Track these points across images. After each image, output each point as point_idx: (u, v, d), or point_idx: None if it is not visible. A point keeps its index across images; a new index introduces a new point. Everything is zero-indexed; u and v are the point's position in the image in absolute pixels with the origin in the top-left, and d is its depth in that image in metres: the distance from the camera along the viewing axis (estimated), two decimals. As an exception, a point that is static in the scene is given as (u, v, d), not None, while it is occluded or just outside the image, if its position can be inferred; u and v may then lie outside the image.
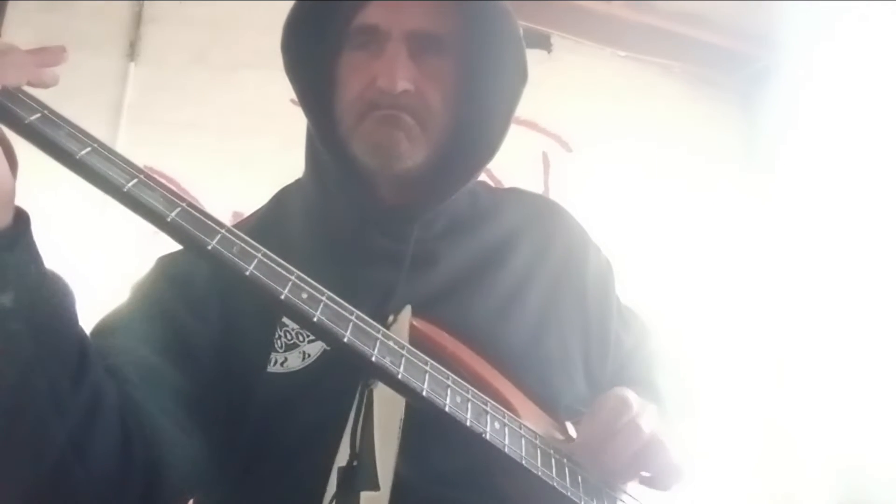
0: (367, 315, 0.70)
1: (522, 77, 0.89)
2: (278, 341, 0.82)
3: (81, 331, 0.69)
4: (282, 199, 0.99)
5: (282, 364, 0.81)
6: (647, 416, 0.81)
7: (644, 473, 0.82)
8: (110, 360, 0.74)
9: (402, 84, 0.83)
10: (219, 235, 0.65)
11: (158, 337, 0.81)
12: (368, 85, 0.84)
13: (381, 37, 0.85)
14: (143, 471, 0.71)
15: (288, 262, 0.68)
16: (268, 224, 0.95)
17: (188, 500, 0.86)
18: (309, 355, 0.81)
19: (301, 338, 0.82)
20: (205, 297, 0.84)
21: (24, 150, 0.63)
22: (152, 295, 0.86)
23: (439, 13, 0.86)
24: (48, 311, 0.63)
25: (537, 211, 1.04)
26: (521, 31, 0.88)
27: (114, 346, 0.77)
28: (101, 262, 2.04)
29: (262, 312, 0.80)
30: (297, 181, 0.99)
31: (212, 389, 0.80)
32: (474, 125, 0.90)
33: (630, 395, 0.82)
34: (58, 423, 0.65)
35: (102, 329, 0.82)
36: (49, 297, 0.64)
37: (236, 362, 0.82)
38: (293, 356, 0.81)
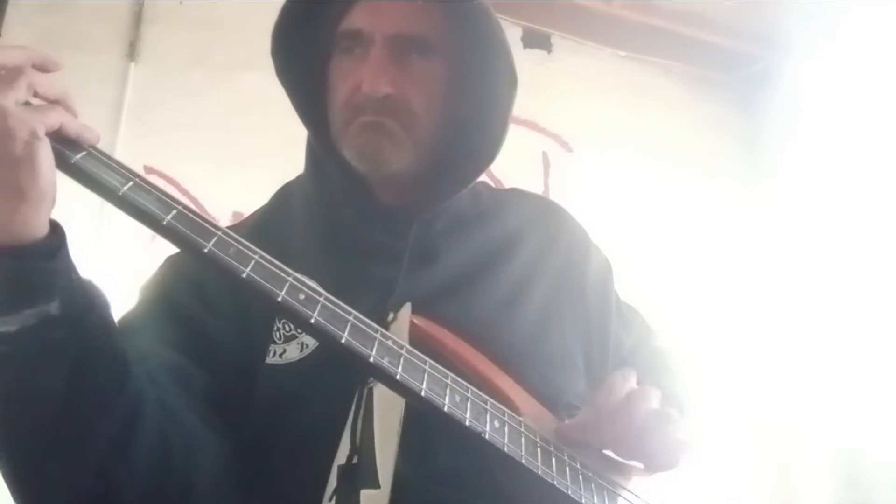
0: (367, 311, 0.70)
1: (512, 78, 0.89)
2: (276, 333, 0.83)
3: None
4: (284, 196, 1.00)
5: (280, 355, 0.82)
6: (645, 396, 0.82)
7: (647, 448, 0.82)
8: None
9: (384, 89, 0.83)
10: (215, 238, 0.65)
11: (180, 337, 0.81)
12: (354, 90, 0.85)
13: (366, 41, 0.85)
14: (182, 471, 0.72)
15: (289, 259, 0.68)
16: (270, 221, 0.96)
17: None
18: (307, 346, 0.81)
19: (299, 329, 0.82)
20: (218, 291, 0.84)
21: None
22: (167, 294, 0.86)
23: (422, 15, 0.87)
24: (92, 318, 0.65)
25: (539, 211, 1.05)
26: (505, 33, 0.88)
27: (136, 350, 0.76)
28: (99, 268, 2.03)
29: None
30: (299, 177, 0.99)
31: (233, 385, 0.81)
32: (468, 128, 0.91)
33: (629, 377, 0.84)
34: (104, 426, 0.66)
35: (120, 332, 0.82)
36: (92, 303, 0.65)
37: (246, 355, 0.82)
38: (291, 347, 0.82)
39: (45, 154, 0.60)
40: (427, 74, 0.87)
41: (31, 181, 0.59)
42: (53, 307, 0.61)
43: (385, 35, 0.85)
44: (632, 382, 0.84)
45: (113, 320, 0.69)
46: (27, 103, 0.61)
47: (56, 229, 0.64)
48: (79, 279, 0.65)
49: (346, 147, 0.87)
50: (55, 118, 0.61)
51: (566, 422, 0.83)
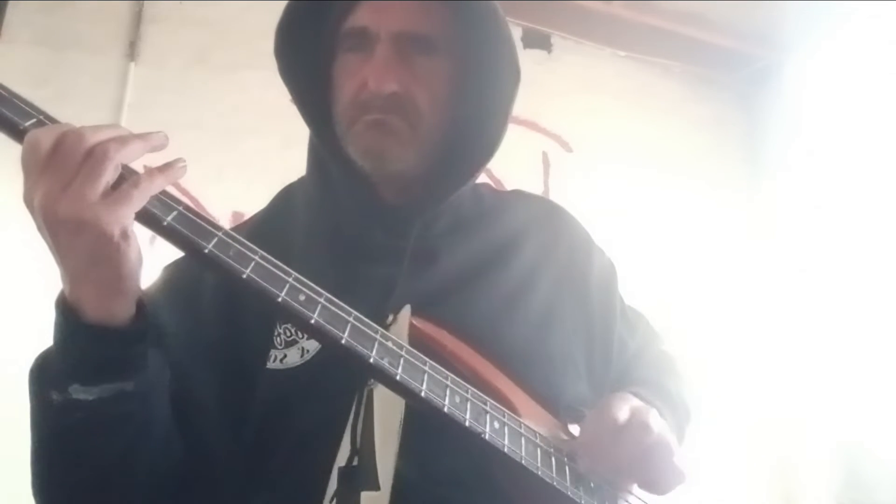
0: (367, 311, 0.70)
1: (515, 76, 0.89)
2: (278, 338, 0.83)
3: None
4: (285, 197, 1.00)
5: (281, 361, 0.81)
6: (649, 420, 0.81)
7: (645, 477, 0.82)
8: None
9: (390, 86, 0.83)
10: (215, 238, 0.65)
11: (175, 355, 0.81)
12: (360, 88, 0.85)
13: (371, 39, 0.86)
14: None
15: (291, 259, 0.68)
16: (271, 221, 0.96)
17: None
18: (308, 351, 0.81)
19: (300, 334, 0.82)
20: (211, 301, 0.85)
21: (16, 155, 0.63)
22: (160, 311, 0.85)
23: (427, 14, 0.87)
24: (158, 391, 0.73)
25: (542, 213, 1.05)
26: (511, 31, 0.89)
27: None
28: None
29: (265, 309, 0.80)
30: (301, 179, 0.99)
31: (229, 393, 0.81)
32: (470, 125, 0.91)
33: (633, 400, 0.82)
34: (144, 483, 0.75)
35: None
36: (159, 378, 0.74)
37: (242, 360, 0.83)
38: (292, 352, 0.82)
39: (134, 248, 0.64)
40: (432, 72, 0.87)
41: (121, 275, 0.64)
42: (129, 385, 0.69)
43: (390, 33, 0.85)
44: (630, 407, 0.81)
45: (167, 384, 0.76)
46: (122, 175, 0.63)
47: (141, 306, 0.69)
48: (152, 356, 0.71)
49: (352, 145, 0.87)
50: (139, 198, 0.63)
51: (574, 443, 0.82)
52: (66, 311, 0.66)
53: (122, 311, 0.67)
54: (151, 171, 0.65)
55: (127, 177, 0.63)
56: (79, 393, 0.67)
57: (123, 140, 0.63)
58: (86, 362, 0.67)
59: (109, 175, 0.62)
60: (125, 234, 0.62)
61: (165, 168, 0.66)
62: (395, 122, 0.85)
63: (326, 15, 0.90)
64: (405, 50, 0.85)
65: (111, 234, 0.61)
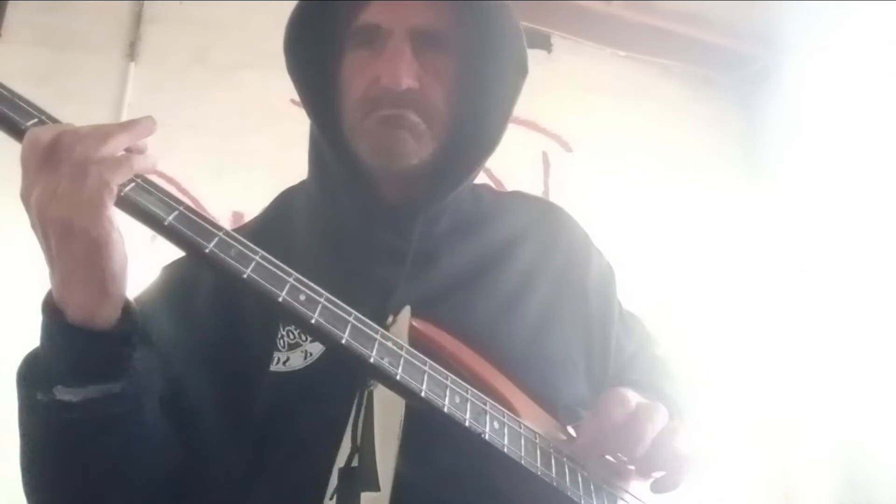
0: (367, 312, 0.70)
1: (522, 71, 0.90)
2: (281, 340, 0.82)
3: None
4: (285, 199, 1.00)
5: (284, 363, 0.81)
6: (651, 413, 0.80)
7: (653, 473, 0.82)
8: None
9: (407, 81, 0.83)
10: (216, 238, 0.65)
11: (173, 357, 0.81)
12: (372, 83, 0.85)
13: (384, 35, 0.85)
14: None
15: (291, 261, 0.68)
16: (271, 224, 0.96)
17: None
18: (311, 354, 0.81)
19: (303, 337, 0.82)
20: (209, 303, 0.85)
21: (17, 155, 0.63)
22: (157, 312, 0.86)
23: (439, 10, 0.87)
24: (150, 394, 0.73)
25: (541, 214, 1.05)
26: (520, 25, 0.89)
27: None
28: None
29: (266, 311, 0.80)
30: (301, 182, 0.99)
31: (228, 394, 0.81)
32: (474, 120, 0.91)
33: (629, 393, 0.82)
34: (140, 487, 0.75)
35: None
36: (151, 379, 0.73)
37: (243, 362, 0.82)
38: (295, 355, 0.81)
39: (118, 252, 0.64)
40: (443, 68, 0.87)
41: (105, 278, 0.64)
42: (116, 387, 0.68)
43: (404, 29, 0.85)
44: (627, 408, 0.80)
45: (158, 387, 0.75)
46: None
47: (127, 309, 0.69)
48: (143, 359, 0.70)
49: (362, 141, 0.86)
50: (108, 191, 0.62)
51: (575, 445, 0.81)
52: (51, 312, 0.66)
53: (107, 314, 0.66)
54: (118, 158, 0.64)
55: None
56: (63, 394, 0.66)
57: (104, 135, 0.63)
58: (69, 363, 0.67)
59: (93, 175, 0.61)
60: (108, 239, 0.62)
61: (129, 125, 0.67)
62: (411, 116, 0.84)
63: (337, 12, 0.89)
64: (418, 46, 0.86)
65: (94, 236, 0.61)
